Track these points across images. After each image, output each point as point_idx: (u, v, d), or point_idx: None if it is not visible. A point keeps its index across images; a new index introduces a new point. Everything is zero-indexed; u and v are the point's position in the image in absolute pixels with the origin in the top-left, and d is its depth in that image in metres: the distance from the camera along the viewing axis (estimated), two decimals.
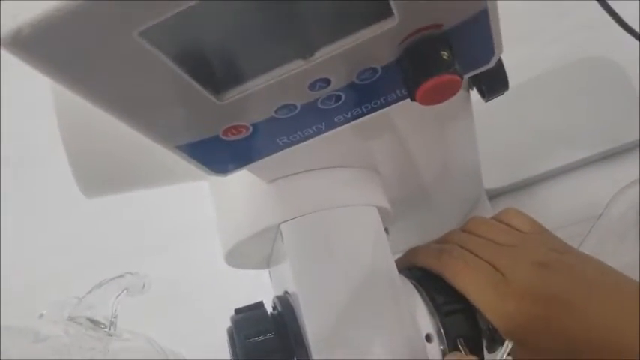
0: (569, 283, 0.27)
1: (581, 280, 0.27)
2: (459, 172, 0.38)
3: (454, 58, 0.17)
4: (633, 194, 0.38)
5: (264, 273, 0.35)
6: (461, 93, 0.30)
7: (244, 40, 0.16)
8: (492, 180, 0.50)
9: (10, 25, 0.13)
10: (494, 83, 0.28)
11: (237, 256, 0.31)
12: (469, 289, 0.28)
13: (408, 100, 0.21)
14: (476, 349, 0.28)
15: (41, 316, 0.26)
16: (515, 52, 0.55)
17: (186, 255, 0.42)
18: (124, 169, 0.33)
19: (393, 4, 0.16)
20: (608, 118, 0.48)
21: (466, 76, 0.20)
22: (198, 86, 0.17)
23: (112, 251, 0.41)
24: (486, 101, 0.30)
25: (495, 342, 0.30)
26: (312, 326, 0.26)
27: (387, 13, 0.16)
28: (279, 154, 0.23)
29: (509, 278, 0.27)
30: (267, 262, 0.34)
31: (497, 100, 0.53)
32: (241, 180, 0.29)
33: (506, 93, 0.52)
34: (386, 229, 0.39)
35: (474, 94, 0.32)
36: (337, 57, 0.17)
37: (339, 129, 0.22)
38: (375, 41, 0.17)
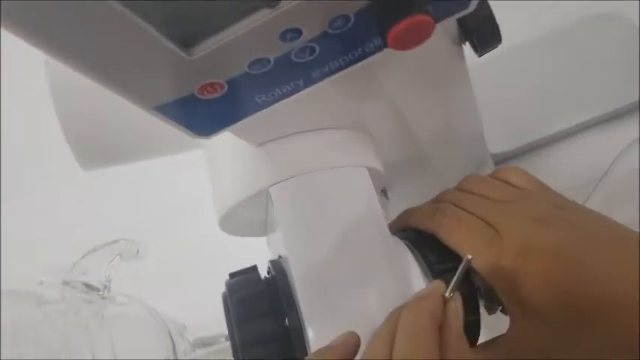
0: (569, 237, 0.26)
1: (582, 233, 0.26)
2: (459, 133, 0.38)
3: None
4: (636, 153, 0.37)
5: (265, 242, 0.36)
6: (453, 48, 0.29)
7: None
8: (498, 144, 0.50)
9: None
10: (485, 35, 0.27)
11: (231, 223, 0.31)
12: (462, 247, 0.27)
13: (393, 54, 0.21)
14: (471, 308, 0.28)
15: (42, 282, 0.27)
16: (517, 12, 0.53)
17: (187, 225, 0.42)
18: (118, 141, 0.33)
19: None
20: (614, 79, 0.47)
21: (446, 21, 0.20)
22: (166, 41, 0.17)
23: (113, 222, 0.42)
24: (479, 56, 0.29)
25: (494, 302, 0.30)
26: (303, 288, 0.26)
27: None
28: (260, 113, 0.22)
29: (504, 234, 0.27)
30: (263, 229, 0.34)
31: (502, 63, 0.51)
32: (231, 145, 0.29)
33: (510, 55, 0.51)
34: (384, 192, 0.39)
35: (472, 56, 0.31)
36: (305, 3, 0.17)
37: (318, 84, 0.22)
38: None
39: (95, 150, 0.33)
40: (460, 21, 0.27)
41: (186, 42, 0.18)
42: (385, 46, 0.18)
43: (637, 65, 0.45)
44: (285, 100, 0.22)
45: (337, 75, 0.21)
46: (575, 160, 0.48)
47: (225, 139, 0.28)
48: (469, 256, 0.24)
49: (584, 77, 0.49)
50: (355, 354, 0.23)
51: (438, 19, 0.19)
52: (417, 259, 0.28)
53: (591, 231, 0.26)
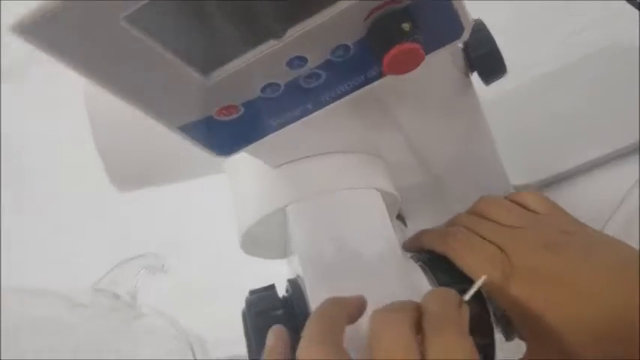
0: (574, 264, 0.26)
1: (587, 260, 0.26)
2: (474, 162, 0.38)
3: (416, 29, 0.18)
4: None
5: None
6: (461, 78, 0.31)
7: (221, 22, 0.18)
8: (521, 176, 0.50)
9: (16, 17, 0.16)
10: (489, 66, 0.28)
11: (252, 244, 0.32)
12: (474, 271, 0.28)
13: (402, 83, 0.22)
14: (485, 331, 0.28)
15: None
16: (539, 45, 0.54)
17: (213, 246, 0.44)
18: (154, 164, 0.36)
19: None
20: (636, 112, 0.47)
21: (440, 50, 0.21)
22: (185, 66, 0.19)
23: (139, 242, 0.43)
24: (487, 85, 0.30)
25: (510, 328, 0.30)
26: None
27: None
28: (274, 135, 0.24)
29: (514, 260, 0.27)
30: (283, 251, 0.35)
31: (524, 95, 0.52)
32: (250, 168, 0.31)
33: (533, 87, 0.52)
34: (403, 220, 0.40)
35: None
36: (307, 34, 0.19)
37: (329, 107, 0.24)
38: (341, 17, 0.19)
39: (130, 173, 0.36)
40: (466, 53, 0.29)
41: (204, 69, 0.20)
42: (382, 71, 0.19)
43: None
44: (299, 122, 0.24)
45: (345, 99, 0.23)
46: (596, 193, 0.47)
47: (245, 162, 0.30)
48: (484, 276, 0.25)
49: (611, 109, 0.49)
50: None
51: (432, 48, 0.21)
52: (430, 281, 0.29)
53: (596, 258, 0.26)
